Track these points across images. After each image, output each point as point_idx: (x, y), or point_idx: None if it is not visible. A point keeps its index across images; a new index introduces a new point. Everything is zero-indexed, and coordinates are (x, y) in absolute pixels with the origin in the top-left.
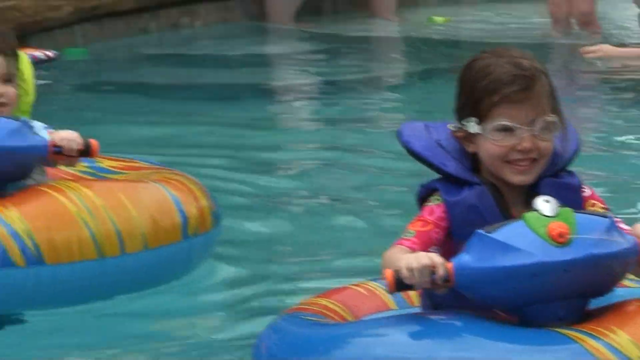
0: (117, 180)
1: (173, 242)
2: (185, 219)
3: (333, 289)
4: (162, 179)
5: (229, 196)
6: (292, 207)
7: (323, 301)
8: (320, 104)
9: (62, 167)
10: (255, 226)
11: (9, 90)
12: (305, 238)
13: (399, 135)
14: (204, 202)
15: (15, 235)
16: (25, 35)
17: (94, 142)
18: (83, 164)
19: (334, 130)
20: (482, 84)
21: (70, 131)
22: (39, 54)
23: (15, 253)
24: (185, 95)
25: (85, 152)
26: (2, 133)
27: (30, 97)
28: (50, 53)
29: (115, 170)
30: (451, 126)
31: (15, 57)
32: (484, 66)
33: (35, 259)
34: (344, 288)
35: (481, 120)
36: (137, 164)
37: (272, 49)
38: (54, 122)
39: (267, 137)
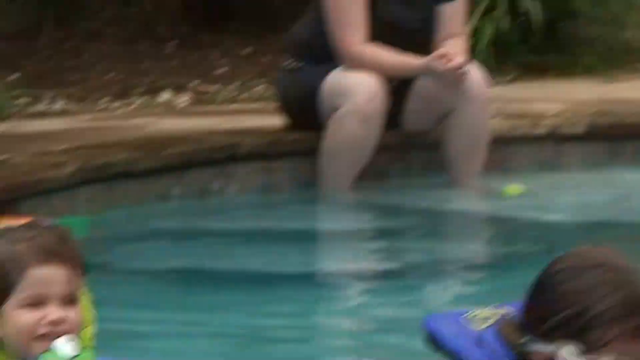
0: None
1: None
2: None
3: None
4: None
5: None
6: None
7: None
8: (368, 296)
9: None
10: None
11: (71, 314)
12: None
13: None
14: None
15: None
16: (16, 199)
17: None
18: None
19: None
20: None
21: None
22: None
23: None
24: (210, 285)
25: None
26: None
27: (91, 318)
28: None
29: None
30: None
31: (80, 267)
32: (594, 282)
33: None
34: None
35: (588, 350)
36: None
37: (323, 224)
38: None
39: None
